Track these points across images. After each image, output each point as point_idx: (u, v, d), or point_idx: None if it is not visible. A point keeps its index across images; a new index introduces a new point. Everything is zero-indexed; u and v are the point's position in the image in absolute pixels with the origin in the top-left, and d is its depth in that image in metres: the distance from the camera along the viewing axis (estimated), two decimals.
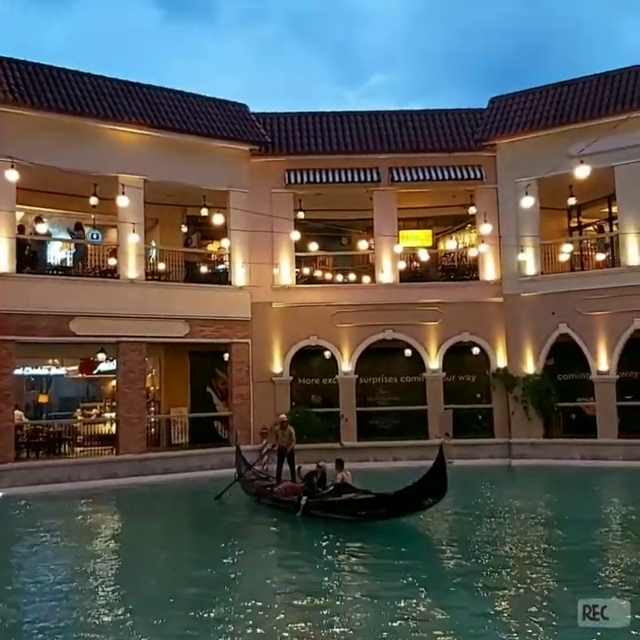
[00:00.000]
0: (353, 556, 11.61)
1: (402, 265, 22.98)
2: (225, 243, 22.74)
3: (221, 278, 22.86)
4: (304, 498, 14.10)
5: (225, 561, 11.37)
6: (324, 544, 12.34)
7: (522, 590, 9.34)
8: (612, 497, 17.22)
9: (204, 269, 23.28)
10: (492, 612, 8.45)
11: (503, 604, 8.93)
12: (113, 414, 21.56)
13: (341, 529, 13.00)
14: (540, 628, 7.84)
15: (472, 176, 22.63)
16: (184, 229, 24.06)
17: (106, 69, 21.99)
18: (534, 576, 9.99)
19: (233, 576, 10.52)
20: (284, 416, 18.17)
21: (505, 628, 7.98)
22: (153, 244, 22.83)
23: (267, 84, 77.10)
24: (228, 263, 22.75)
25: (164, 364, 23.70)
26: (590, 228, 25.06)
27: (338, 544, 12.27)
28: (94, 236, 22.06)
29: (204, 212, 21.94)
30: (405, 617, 8.31)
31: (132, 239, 19.85)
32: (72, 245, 21.82)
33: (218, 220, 20.88)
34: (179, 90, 22.57)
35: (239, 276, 22.23)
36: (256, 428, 21.74)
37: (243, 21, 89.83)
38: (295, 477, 16.23)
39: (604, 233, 23.67)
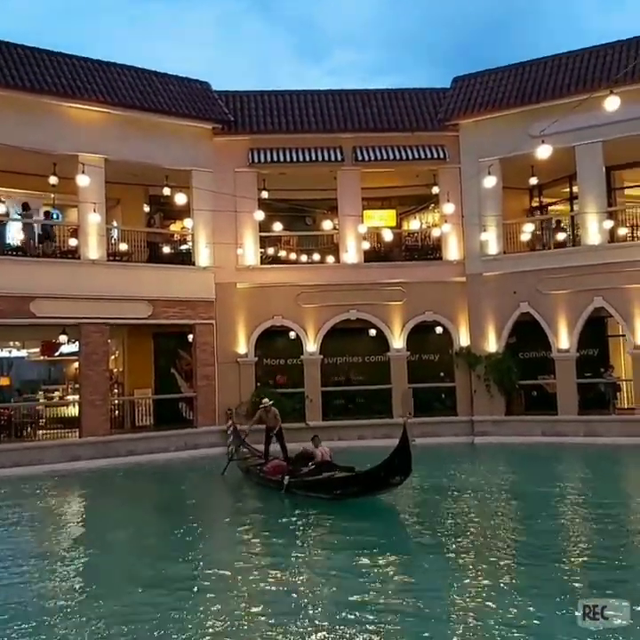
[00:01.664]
0: (323, 533, 11.86)
1: (366, 245, 23.04)
2: (188, 223, 22.54)
3: (185, 259, 22.70)
4: (286, 477, 14.49)
5: (188, 539, 11.40)
6: (297, 521, 12.56)
7: (485, 560, 9.57)
8: (570, 472, 17.58)
9: (166, 250, 23.09)
10: (457, 583, 8.64)
11: (468, 573, 9.13)
12: (76, 397, 21.35)
13: (318, 506, 13.33)
14: (502, 595, 8.04)
15: (435, 156, 22.69)
16: (146, 209, 23.78)
17: (64, 46, 21.55)
18: (498, 547, 10.27)
19: (200, 554, 10.54)
20: (266, 400, 18.24)
21: (469, 596, 8.17)
22: (114, 224, 22.53)
23: (229, 62, 76.48)
24: (191, 243, 22.59)
25: (128, 345, 23.51)
26: (552, 206, 25.33)
27: (311, 520, 12.56)
28: (54, 216, 21.68)
29: (167, 191, 21.66)
30: (371, 590, 8.45)
31: (93, 219, 19.53)
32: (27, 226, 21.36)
33: (181, 199, 20.64)
34: (139, 67, 22.19)
35: (203, 257, 22.07)
36: (221, 410, 21.73)
37: None
38: (286, 455, 16.49)
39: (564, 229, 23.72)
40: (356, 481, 13.59)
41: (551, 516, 12.29)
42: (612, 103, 11.25)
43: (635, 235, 22.09)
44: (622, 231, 21.71)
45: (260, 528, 12.63)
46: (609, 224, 20.94)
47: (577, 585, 8.47)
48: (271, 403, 17.70)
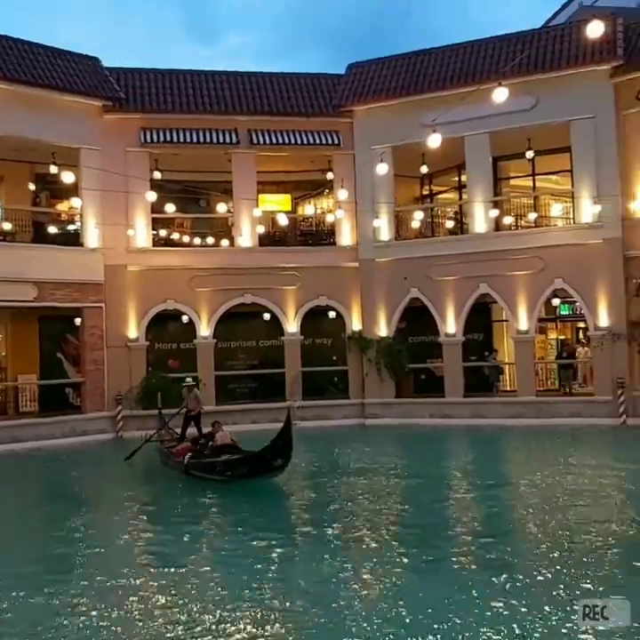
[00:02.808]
0: (210, 516, 11.84)
1: (261, 229, 22.93)
2: (76, 202, 21.73)
3: (73, 239, 21.92)
4: (188, 455, 14.61)
5: (73, 525, 11.19)
6: (186, 501, 12.74)
7: (369, 538, 9.82)
8: (454, 452, 18.26)
9: (53, 230, 22.24)
10: (341, 561, 8.80)
11: (354, 552, 9.33)
12: None
13: (213, 488, 13.43)
14: (390, 575, 8.24)
15: (330, 141, 22.86)
16: (32, 187, 22.81)
17: None
18: (383, 525, 10.56)
19: (81, 540, 10.35)
20: (189, 379, 18.03)
21: (354, 574, 8.35)
22: None
23: (119, 39, 73.75)
24: (79, 224, 21.84)
25: (11, 329, 22.53)
26: (442, 195, 26.03)
27: (203, 501, 12.71)
28: None
29: (54, 169, 20.77)
30: (251, 572, 8.48)
31: None
32: None
33: (68, 178, 19.83)
34: (25, 40, 21.16)
35: (92, 238, 21.40)
36: (110, 395, 21.23)
37: None
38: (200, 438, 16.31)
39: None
40: (243, 463, 13.85)
41: (435, 494, 12.71)
42: (500, 95, 11.61)
43: (519, 224, 23.08)
44: (507, 220, 22.60)
45: (147, 510, 12.59)
46: (495, 213, 21.76)
47: (456, 559, 8.84)
48: (194, 383, 17.49)
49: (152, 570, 8.86)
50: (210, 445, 14.92)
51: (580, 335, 25.25)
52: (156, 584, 8.26)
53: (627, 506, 11.32)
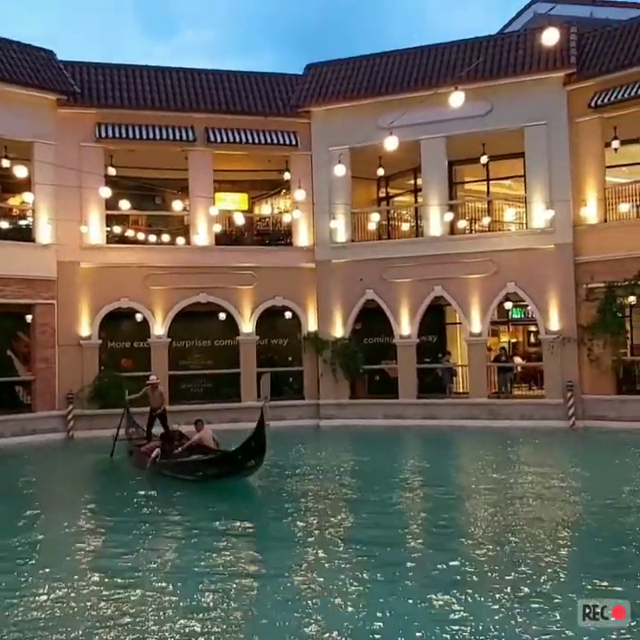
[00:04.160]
0: (173, 517, 11.72)
1: (217, 228, 22.83)
2: (28, 197, 21.34)
3: (24, 235, 21.45)
4: (157, 450, 14.55)
5: (14, 528, 10.85)
6: (144, 501, 12.67)
7: (326, 535, 9.96)
8: (407, 452, 18.49)
9: (4, 225, 21.70)
10: (302, 561, 8.83)
11: (309, 549, 9.41)
12: None
13: (183, 488, 13.41)
14: (350, 576, 8.27)
15: (287, 142, 22.84)
16: None
17: None
18: (338, 522, 10.74)
19: (29, 541, 10.12)
20: (154, 377, 17.81)
21: (316, 571, 8.39)
22: None
23: (73, 32, 72.39)
24: (31, 219, 21.42)
25: None
26: (398, 197, 26.24)
27: (172, 500, 12.73)
28: None
29: (6, 163, 20.37)
30: (216, 585, 8.41)
31: None
32: None
33: (21, 172, 19.45)
34: None
35: (44, 233, 21.02)
36: (61, 394, 20.88)
37: None
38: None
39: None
40: (213, 463, 13.77)
41: (388, 493, 12.83)
42: (456, 99, 11.79)
43: (473, 228, 23.39)
44: (462, 224, 22.88)
45: (103, 511, 12.38)
46: (449, 216, 21.98)
47: (410, 557, 8.96)
48: (158, 380, 17.30)
49: (96, 578, 8.53)
50: (180, 444, 14.79)
51: (532, 338, 25.69)
52: (101, 593, 8.02)
53: (575, 507, 11.55)
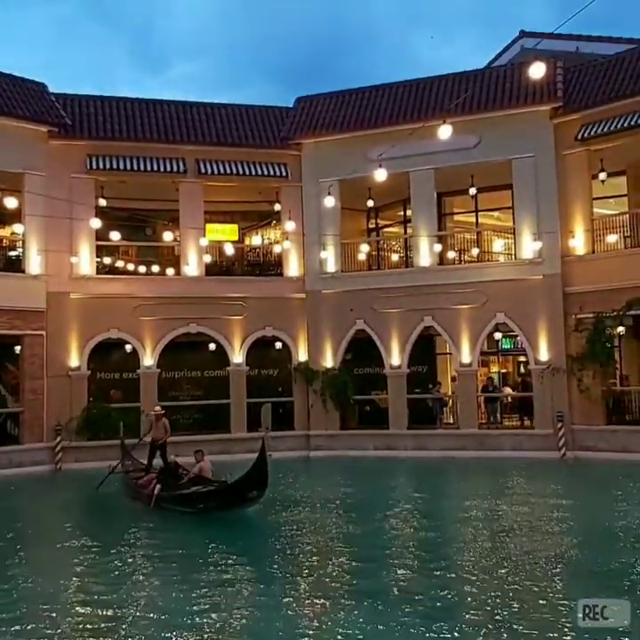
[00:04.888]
0: (169, 551, 11.44)
1: (208, 258, 22.87)
2: (19, 228, 21.36)
3: (14, 265, 21.46)
4: (157, 487, 14.24)
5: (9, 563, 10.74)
6: (148, 537, 12.45)
7: (325, 570, 9.94)
8: (398, 484, 18.36)
9: None
10: (284, 593, 8.72)
11: (307, 583, 9.25)
12: None
13: (180, 520, 13.31)
14: (335, 606, 8.22)
15: (277, 173, 23.01)
16: None
17: None
18: (329, 557, 10.65)
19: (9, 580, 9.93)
20: (158, 408, 17.70)
21: (314, 606, 8.33)
22: None
23: (65, 66, 72.89)
24: (21, 250, 21.42)
25: None
26: (387, 228, 26.42)
27: (162, 534, 12.51)
28: None
29: None
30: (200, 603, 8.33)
31: None
32: None
33: (11, 203, 19.44)
34: None
35: (34, 264, 21.00)
36: (49, 426, 20.68)
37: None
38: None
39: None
40: (214, 496, 13.63)
41: (380, 525, 12.77)
42: (444, 132, 11.96)
43: (462, 258, 23.54)
44: (451, 255, 23.03)
45: (81, 545, 12.11)
46: (439, 247, 22.14)
47: (402, 587, 8.86)
48: (163, 411, 17.16)
49: (83, 611, 8.46)
50: (182, 475, 14.66)
51: (521, 369, 25.73)
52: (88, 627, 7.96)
53: (564, 538, 11.49)
